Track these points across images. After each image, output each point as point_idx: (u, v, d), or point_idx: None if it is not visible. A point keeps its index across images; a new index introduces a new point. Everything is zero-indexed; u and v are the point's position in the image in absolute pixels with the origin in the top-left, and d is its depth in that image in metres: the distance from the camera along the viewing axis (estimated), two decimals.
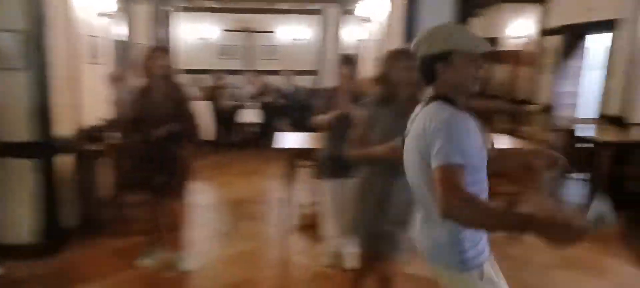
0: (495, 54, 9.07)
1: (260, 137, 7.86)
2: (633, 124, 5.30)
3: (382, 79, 2.42)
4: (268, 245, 4.07)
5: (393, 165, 2.38)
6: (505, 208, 1.64)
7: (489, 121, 7.19)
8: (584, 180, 5.57)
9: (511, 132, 5.99)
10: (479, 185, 1.67)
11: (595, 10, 6.25)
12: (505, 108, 7.97)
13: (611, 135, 5.23)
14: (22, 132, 3.51)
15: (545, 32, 7.47)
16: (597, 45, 6.81)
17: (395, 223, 2.42)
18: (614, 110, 5.87)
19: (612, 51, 6.07)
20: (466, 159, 1.53)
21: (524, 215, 1.47)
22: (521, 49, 8.25)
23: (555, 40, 7.24)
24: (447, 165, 1.50)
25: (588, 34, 6.83)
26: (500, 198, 4.34)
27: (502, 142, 4.64)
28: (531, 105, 7.52)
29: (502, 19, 9.04)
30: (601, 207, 1.44)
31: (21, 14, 3.37)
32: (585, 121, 6.14)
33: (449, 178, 1.49)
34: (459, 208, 1.46)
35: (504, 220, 1.48)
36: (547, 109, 7.33)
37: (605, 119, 5.89)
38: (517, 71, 8.31)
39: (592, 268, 3.72)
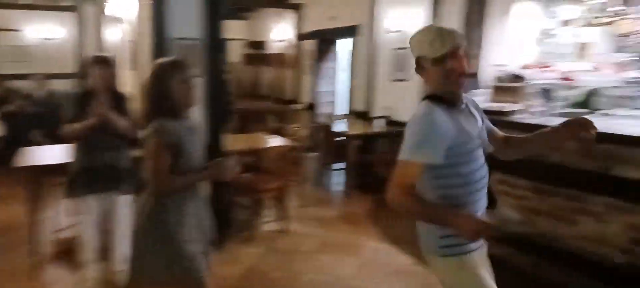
0: (263, 57, 9.54)
1: (6, 153, 6.70)
2: (374, 117, 6.19)
3: (158, 94, 2.16)
4: (14, 281, 3.50)
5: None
6: (437, 206, 1.76)
7: (260, 121, 7.54)
8: (341, 169, 6.27)
9: (279, 131, 6.38)
10: (468, 174, 1.76)
11: (339, 17, 7.08)
12: (274, 108, 8.46)
13: (358, 128, 6.01)
14: None
15: (302, 37, 8.16)
16: (344, 48, 7.74)
17: (197, 242, 2.24)
18: (360, 106, 6.77)
19: (354, 54, 6.98)
20: (436, 154, 1.66)
21: (447, 213, 1.69)
22: (284, 52, 8.85)
23: (310, 44, 7.98)
24: (404, 160, 1.67)
25: (337, 38, 7.72)
26: (268, 194, 4.58)
27: (273, 141, 4.91)
28: (296, 105, 8.16)
29: (267, 24, 9.55)
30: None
31: None
32: (339, 117, 6.91)
33: (401, 172, 1.67)
34: (399, 202, 1.65)
35: (434, 215, 1.72)
36: (310, 107, 8.04)
37: (354, 114, 6.75)
38: (283, 73, 8.90)
39: (348, 248, 4.21)
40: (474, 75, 4.23)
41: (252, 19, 9.89)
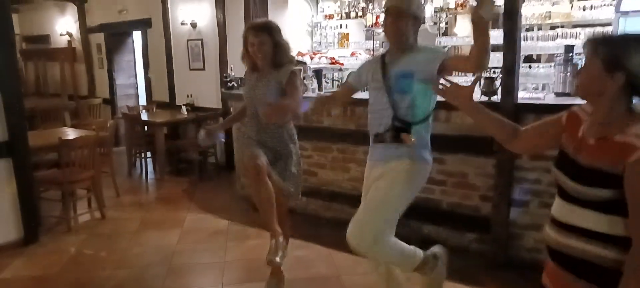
0: (46, 52, 8.95)
1: None
2: (178, 105, 6.58)
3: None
4: None
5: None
6: None
7: (54, 119, 7.23)
8: (150, 157, 6.51)
9: (77, 127, 6.28)
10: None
11: (129, 10, 7.20)
12: (68, 105, 8.11)
13: (164, 117, 6.32)
14: None
15: (89, 30, 7.99)
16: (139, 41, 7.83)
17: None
18: (162, 96, 7.07)
19: (149, 46, 7.20)
20: None
21: None
22: (70, 46, 8.50)
23: (99, 38, 7.88)
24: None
25: (129, 31, 7.77)
26: (79, 185, 4.65)
27: (75, 134, 4.93)
28: (93, 100, 7.96)
29: (47, 16, 8.96)
30: None
31: None
32: (144, 107, 7.04)
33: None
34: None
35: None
36: (109, 101, 7.97)
37: (156, 104, 7.01)
38: (73, 68, 8.54)
39: (169, 222, 4.60)
40: None
41: (26, 11, 9.09)
